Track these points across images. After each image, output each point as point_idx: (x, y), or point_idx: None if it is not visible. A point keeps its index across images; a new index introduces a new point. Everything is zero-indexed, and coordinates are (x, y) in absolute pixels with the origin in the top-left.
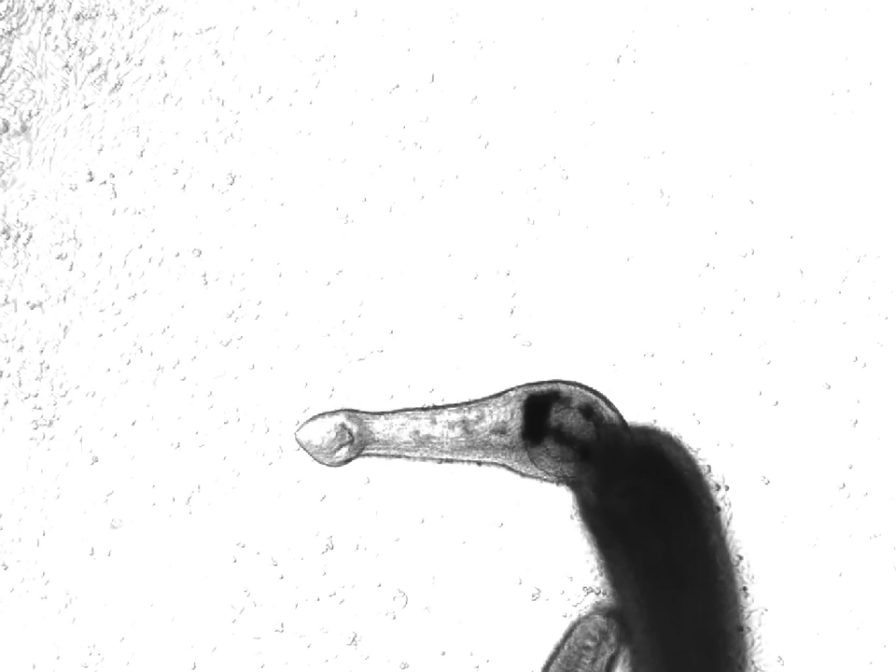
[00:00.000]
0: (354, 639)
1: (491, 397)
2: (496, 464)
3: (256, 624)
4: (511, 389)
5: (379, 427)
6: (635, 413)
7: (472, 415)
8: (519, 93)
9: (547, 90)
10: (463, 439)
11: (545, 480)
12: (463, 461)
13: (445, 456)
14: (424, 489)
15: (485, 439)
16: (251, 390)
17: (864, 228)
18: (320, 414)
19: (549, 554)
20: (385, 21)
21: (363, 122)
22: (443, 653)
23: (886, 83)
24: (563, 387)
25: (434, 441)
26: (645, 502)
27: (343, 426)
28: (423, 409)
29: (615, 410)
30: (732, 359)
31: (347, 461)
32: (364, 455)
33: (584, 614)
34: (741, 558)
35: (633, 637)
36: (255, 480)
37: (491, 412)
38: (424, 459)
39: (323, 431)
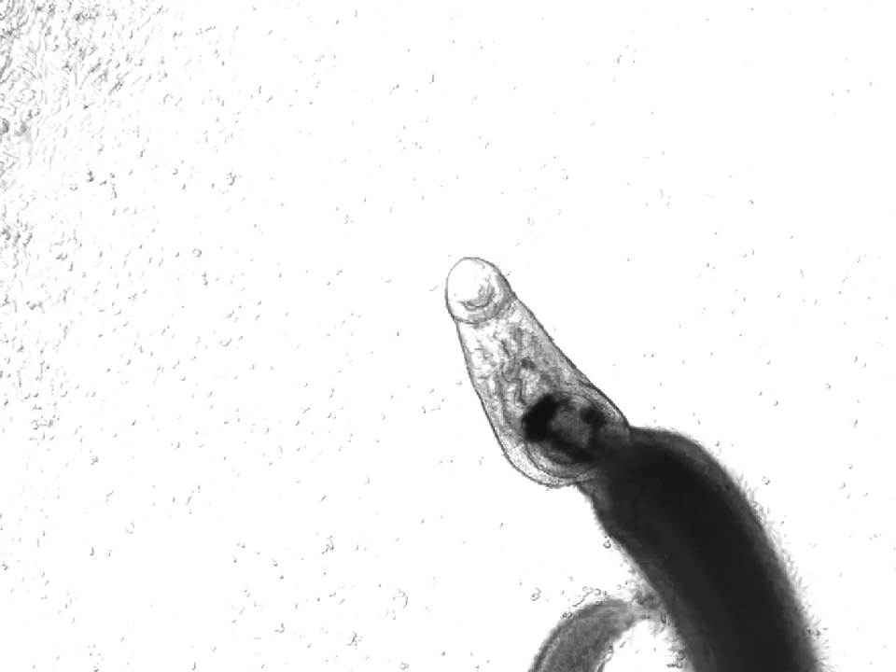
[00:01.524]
0: (354, 639)
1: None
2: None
3: (256, 624)
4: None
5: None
6: (635, 414)
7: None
8: (519, 93)
9: (547, 90)
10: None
11: (542, 483)
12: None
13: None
14: (424, 489)
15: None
16: (251, 390)
17: (864, 228)
18: (474, 258)
19: (549, 554)
20: (384, 20)
21: (363, 122)
22: (443, 653)
23: (886, 83)
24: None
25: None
26: (661, 502)
27: (491, 286)
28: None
29: (619, 412)
30: (732, 359)
31: (469, 322)
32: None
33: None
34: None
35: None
36: (255, 480)
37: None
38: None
39: (474, 283)
